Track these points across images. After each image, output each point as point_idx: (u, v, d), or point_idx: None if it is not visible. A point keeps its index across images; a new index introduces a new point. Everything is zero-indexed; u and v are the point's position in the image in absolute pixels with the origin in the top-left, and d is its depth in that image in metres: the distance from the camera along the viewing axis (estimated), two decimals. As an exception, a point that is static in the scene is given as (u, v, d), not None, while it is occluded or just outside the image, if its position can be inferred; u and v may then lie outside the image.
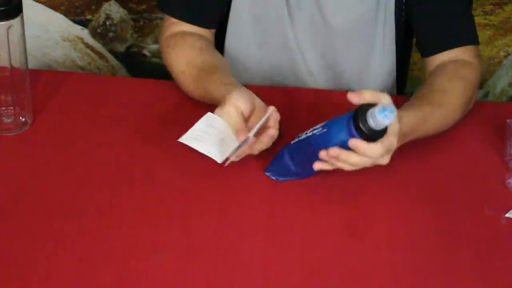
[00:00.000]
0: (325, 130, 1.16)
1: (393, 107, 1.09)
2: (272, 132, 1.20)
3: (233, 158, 1.20)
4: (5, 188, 1.22)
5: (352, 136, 1.12)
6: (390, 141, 1.15)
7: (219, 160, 1.19)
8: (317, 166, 1.19)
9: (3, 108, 1.33)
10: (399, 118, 1.18)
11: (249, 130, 1.20)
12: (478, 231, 1.19)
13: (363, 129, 1.11)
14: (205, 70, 1.36)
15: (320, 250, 1.14)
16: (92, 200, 1.20)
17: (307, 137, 1.19)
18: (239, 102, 1.22)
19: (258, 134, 1.21)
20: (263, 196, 1.23)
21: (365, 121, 1.11)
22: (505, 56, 2.18)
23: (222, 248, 1.13)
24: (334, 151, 1.14)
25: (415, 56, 1.68)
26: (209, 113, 1.23)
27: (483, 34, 2.13)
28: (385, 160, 1.17)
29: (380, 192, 1.25)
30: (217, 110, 1.23)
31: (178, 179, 1.25)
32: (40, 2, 2.10)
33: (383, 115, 1.08)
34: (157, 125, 1.37)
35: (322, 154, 1.15)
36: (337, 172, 1.27)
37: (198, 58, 1.39)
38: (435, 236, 1.17)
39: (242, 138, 1.19)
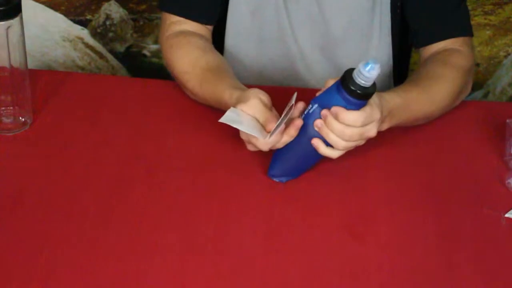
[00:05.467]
0: (316, 105, 1.19)
1: (375, 59, 1.12)
2: (298, 123, 1.20)
3: (264, 147, 1.21)
4: (5, 188, 1.22)
5: (346, 100, 1.16)
6: (372, 110, 1.18)
7: (263, 138, 1.19)
8: (314, 141, 1.21)
9: (3, 108, 1.33)
10: (381, 96, 1.22)
11: (276, 119, 1.20)
12: (478, 231, 1.19)
13: (354, 88, 1.14)
14: (211, 71, 1.36)
15: (320, 250, 1.14)
16: (92, 200, 1.20)
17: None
18: (261, 95, 1.23)
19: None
20: (263, 196, 1.23)
21: (353, 81, 1.14)
22: (505, 56, 2.18)
23: (222, 248, 1.13)
24: (324, 112, 1.18)
25: (415, 56, 1.68)
26: (233, 108, 1.22)
27: (483, 34, 2.13)
28: (371, 131, 1.20)
29: (380, 192, 1.25)
30: (240, 105, 1.22)
31: (178, 179, 1.25)
32: (40, 2, 2.10)
33: (369, 67, 1.12)
34: (157, 125, 1.37)
35: (317, 122, 1.19)
36: (337, 171, 1.28)
37: (202, 58, 1.39)
38: (435, 236, 1.17)
39: (272, 126, 1.19)
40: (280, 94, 1.39)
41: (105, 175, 1.25)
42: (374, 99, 1.19)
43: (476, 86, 2.20)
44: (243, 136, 1.24)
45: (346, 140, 1.19)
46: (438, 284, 1.10)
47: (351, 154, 1.29)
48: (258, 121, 1.21)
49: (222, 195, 1.23)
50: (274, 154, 1.26)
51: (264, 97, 1.24)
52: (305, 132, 1.21)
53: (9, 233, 1.14)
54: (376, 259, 1.13)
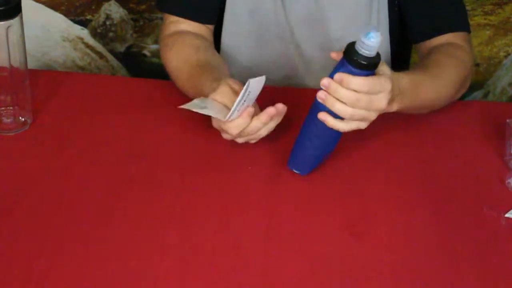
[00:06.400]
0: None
1: (374, 27, 1.13)
2: (271, 110, 1.20)
3: (232, 131, 1.20)
4: (5, 188, 1.22)
5: (352, 73, 1.14)
6: (380, 79, 1.16)
7: (223, 118, 1.20)
8: (322, 115, 1.18)
9: (3, 108, 1.33)
10: (395, 74, 1.21)
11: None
12: (478, 231, 1.19)
13: (358, 59, 1.13)
14: (199, 67, 1.36)
15: (320, 250, 1.14)
16: (92, 200, 1.20)
17: (312, 107, 1.20)
18: (232, 83, 1.24)
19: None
20: (263, 195, 1.23)
21: (357, 53, 1.13)
22: (505, 56, 2.18)
23: (222, 248, 1.13)
24: (325, 79, 1.16)
25: (415, 56, 1.68)
26: (202, 97, 1.24)
27: (483, 34, 2.13)
28: (381, 102, 1.17)
29: (380, 192, 1.25)
30: (212, 94, 1.23)
31: (178, 179, 1.25)
32: (40, 2, 2.10)
33: (369, 36, 1.11)
34: (157, 125, 1.37)
35: (320, 93, 1.16)
36: (338, 171, 1.28)
37: (193, 56, 1.40)
38: (435, 236, 1.17)
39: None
40: (278, 94, 1.39)
41: (105, 175, 1.25)
42: (386, 71, 1.17)
43: (476, 86, 2.20)
44: (214, 124, 1.24)
45: (353, 106, 1.16)
46: (438, 284, 1.10)
47: (351, 154, 1.30)
48: (227, 107, 1.21)
49: (222, 195, 1.22)
50: (293, 146, 1.26)
51: (235, 84, 1.24)
52: (315, 120, 1.20)
53: (8, 233, 1.14)
54: (376, 259, 1.13)
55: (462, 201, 1.24)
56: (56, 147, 1.31)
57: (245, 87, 1.18)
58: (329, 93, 1.16)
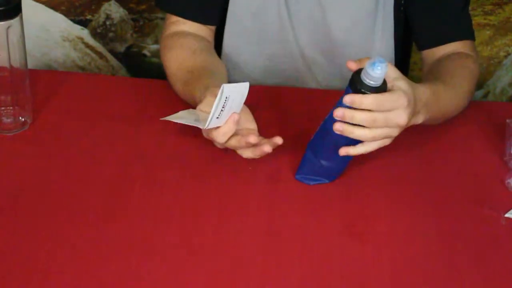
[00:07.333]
0: (333, 108, 1.17)
1: (381, 58, 1.10)
2: (236, 116, 1.18)
3: (219, 139, 1.19)
4: (5, 188, 1.22)
5: None
6: (393, 95, 1.14)
7: (203, 126, 1.19)
8: (343, 151, 1.18)
9: (3, 108, 1.33)
10: (417, 87, 1.19)
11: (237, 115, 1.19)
12: (478, 231, 1.19)
13: (363, 90, 1.12)
14: (194, 73, 1.35)
15: (319, 250, 1.14)
16: (92, 200, 1.20)
17: (323, 123, 1.20)
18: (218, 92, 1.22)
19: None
20: (263, 196, 1.23)
21: (361, 82, 1.12)
22: (505, 56, 2.18)
23: (222, 248, 1.13)
24: (338, 111, 1.14)
25: (415, 56, 1.68)
26: (190, 109, 1.24)
27: (483, 34, 2.13)
28: (399, 118, 1.15)
29: (380, 192, 1.25)
30: (199, 105, 1.22)
31: (178, 179, 1.25)
32: (40, 2, 2.10)
33: (374, 67, 1.10)
34: (157, 125, 1.37)
35: (337, 125, 1.14)
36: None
37: (188, 61, 1.39)
38: (435, 235, 1.17)
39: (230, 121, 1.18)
40: (280, 95, 1.40)
41: (105, 175, 1.25)
42: (402, 86, 1.15)
43: (476, 86, 2.20)
44: (204, 134, 1.23)
45: (371, 127, 1.14)
46: (438, 284, 1.10)
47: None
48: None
49: (222, 195, 1.22)
50: (303, 156, 1.25)
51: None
52: (327, 138, 1.19)
53: (8, 233, 1.14)
54: (376, 259, 1.13)
55: (462, 201, 1.24)
56: (56, 147, 1.31)
57: (219, 92, 1.15)
58: (345, 122, 1.15)
